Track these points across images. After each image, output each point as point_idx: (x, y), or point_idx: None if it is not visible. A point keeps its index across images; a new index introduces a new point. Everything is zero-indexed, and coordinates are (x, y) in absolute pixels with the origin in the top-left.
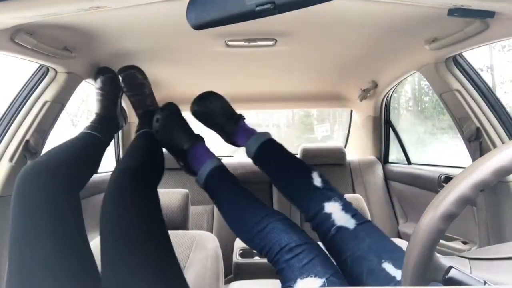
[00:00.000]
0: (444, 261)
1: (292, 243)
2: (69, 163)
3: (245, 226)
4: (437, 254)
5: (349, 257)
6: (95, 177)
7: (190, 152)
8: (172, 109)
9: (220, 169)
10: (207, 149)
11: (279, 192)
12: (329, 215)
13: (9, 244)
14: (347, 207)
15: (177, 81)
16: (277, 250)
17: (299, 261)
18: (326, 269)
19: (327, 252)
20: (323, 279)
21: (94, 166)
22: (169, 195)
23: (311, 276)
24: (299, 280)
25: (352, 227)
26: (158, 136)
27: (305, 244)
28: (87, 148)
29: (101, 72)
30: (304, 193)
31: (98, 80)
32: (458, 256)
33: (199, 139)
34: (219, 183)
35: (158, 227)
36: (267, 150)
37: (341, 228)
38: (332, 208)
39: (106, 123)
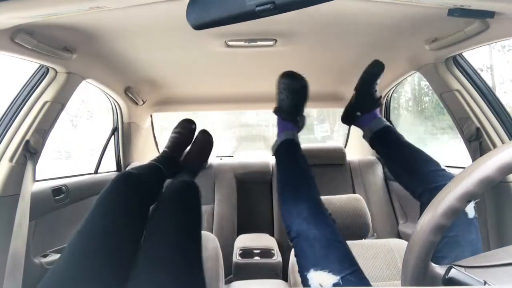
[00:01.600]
0: (440, 270)
1: (310, 233)
2: (147, 185)
3: (288, 199)
4: (433, 264)
5: (446, 238)
6: (95, 177)
7: None
8: None
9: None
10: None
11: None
12: None
13: (84, 223)
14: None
15: (177, 81)
16: (294, 235)
17: (313, 253)
18: (344, 267)
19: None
20: (338, 277)
21: (157, 194)
22: None
23: (325, 271)
24: (312, 271)
25: (471, 216)
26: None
27: (324, 238)
28: (155, 175)
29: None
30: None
31: (180, 125)
32: (454, 264)
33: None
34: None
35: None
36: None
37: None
38: None
39: (170, 161)
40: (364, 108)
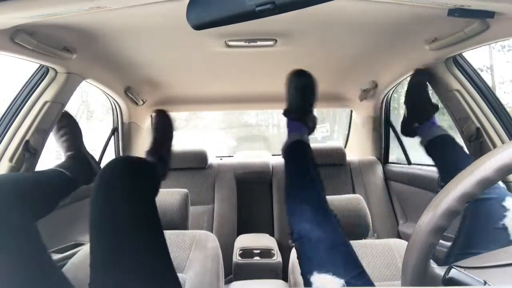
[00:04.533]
0: (440, 270)
1: (313, 234)
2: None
3: (292, 200)
4: (432, 265)
5: None
6: None
7: None
8: None
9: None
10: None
11: (278, 192)
12: None
13: None
14: None
15: (177, 81)
16: (296, 237)
17: (317, 255)
18: (349, 270)
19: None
20: (343, 280)
21: (53, 203)
22: (169, 195)
23: (329, 274)
24: (315, 273)
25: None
26: None
27: (328, 240)
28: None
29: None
30: None
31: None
32: (453, 265)
33: None
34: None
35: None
36: None
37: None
38: None
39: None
40: (420, 118)
